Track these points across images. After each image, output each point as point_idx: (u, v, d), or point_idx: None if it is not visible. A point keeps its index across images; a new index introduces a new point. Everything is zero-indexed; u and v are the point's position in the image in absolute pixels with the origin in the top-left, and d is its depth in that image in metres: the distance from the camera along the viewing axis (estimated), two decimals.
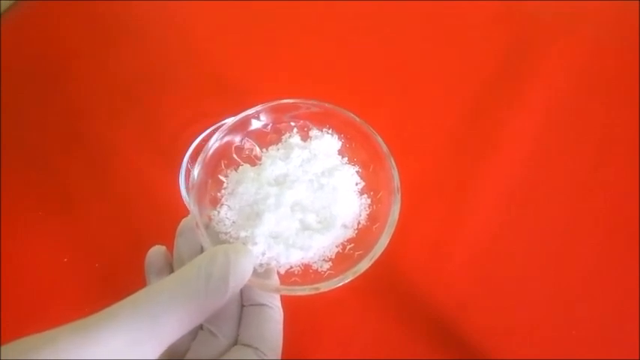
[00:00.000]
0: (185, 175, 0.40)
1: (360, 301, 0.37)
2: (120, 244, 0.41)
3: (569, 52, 0.51)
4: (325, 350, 0.36)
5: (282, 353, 0.25)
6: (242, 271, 0.22)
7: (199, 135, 0.42)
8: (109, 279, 0.39)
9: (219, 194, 0.28)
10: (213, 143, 0.28)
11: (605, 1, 0.55)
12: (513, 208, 0.42)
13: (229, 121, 0.28)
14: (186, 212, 0.37)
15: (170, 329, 0.20)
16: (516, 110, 0.47)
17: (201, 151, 0.27)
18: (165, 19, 0.56)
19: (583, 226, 0.41)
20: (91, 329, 0.18)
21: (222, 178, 0.28)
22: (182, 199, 0.39)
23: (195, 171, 0.27)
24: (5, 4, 0.55)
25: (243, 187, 0.27)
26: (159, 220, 0.41)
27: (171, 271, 0.27)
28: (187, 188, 0.39)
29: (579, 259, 0.40)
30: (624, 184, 0.43)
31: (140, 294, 0.20)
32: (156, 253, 0.28)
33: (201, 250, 0.26)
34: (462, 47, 0.52)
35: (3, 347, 0.18)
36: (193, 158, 0.41)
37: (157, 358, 0.20)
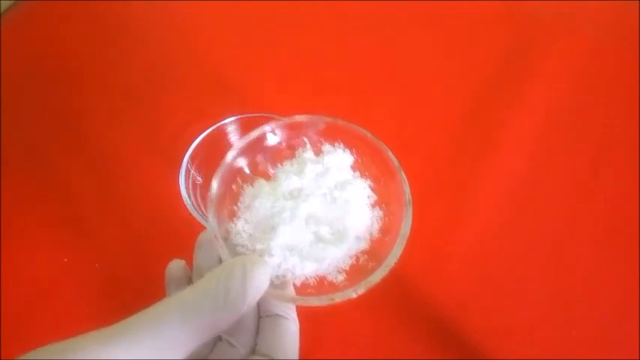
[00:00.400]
0: (185, 175, 0.40)
1: (360, 301, 0.37)
2: (120, 244, 0.41)
3: (569, 52, 0.51)
4: (325, 350, 0.36)
5: None
6: (259, 283, 0.22)
7: (199, 135, 0.42)
8: (109, 279, 0.39)
9: (235, 208, 0.28)
10: (230, 158, 0.28)
11: (605, 1, 0.55)
12: (513, 208, 0.42)
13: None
14: (186, 212, 0.38)
15: (188, 340, 0.20)
16: (516, 110, 0.47)
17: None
18: (165, 19, 0.56)
19: (583, 226, 0.41)
20: (112, 340, 0.19)
21: (238, 191, 0.29)
22: (182, 199, 0.39)
23: (214, 185, 0.27)
24: (5, 4, 0.56)
25: (258, 201, 0.28)
26: (159, 220, 0.41)
27: (191, 283, 0.28)
28: (187, 188, 0.39)
29: (579, 259, 0.40)
30: (624, 184, 0.43)
31: (159, 305, 0.20)
32: (176, 266, 0.28)
33: (220, 262, 0.27)
34: (462, 47, 0.52)
35: (25, 356, 0.18)
36: (193, 158, 0.40)
37: None
